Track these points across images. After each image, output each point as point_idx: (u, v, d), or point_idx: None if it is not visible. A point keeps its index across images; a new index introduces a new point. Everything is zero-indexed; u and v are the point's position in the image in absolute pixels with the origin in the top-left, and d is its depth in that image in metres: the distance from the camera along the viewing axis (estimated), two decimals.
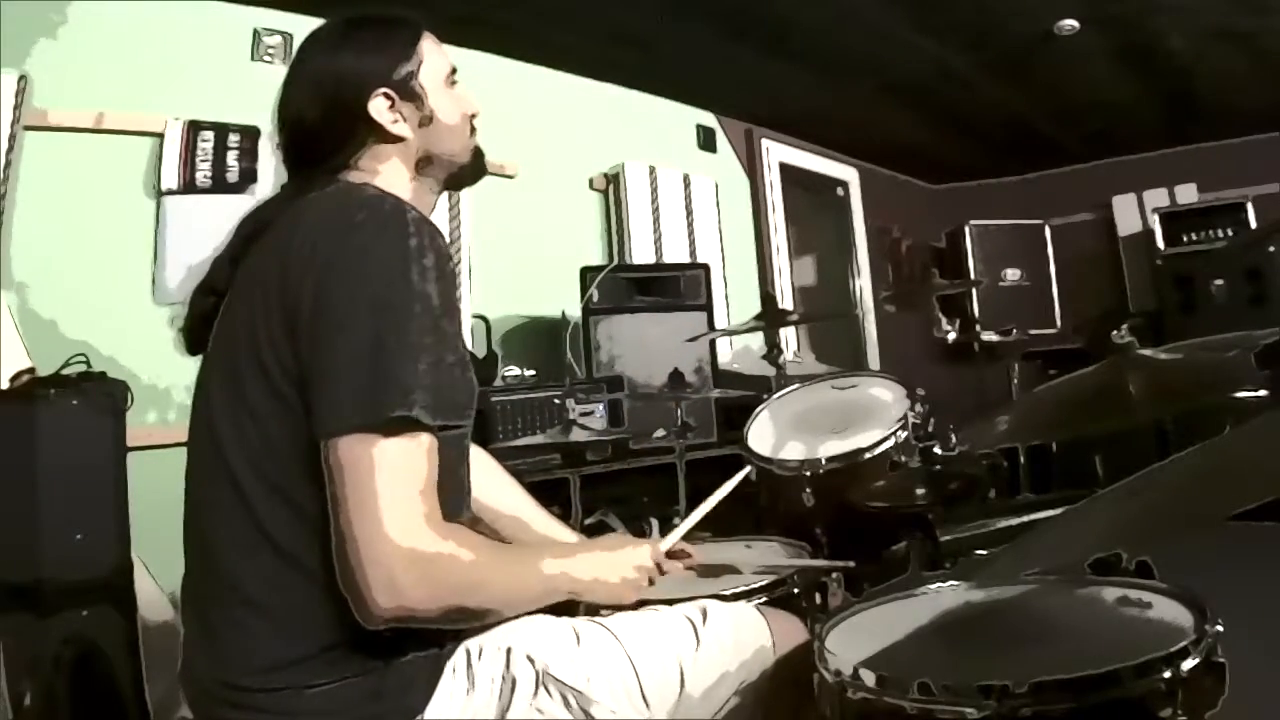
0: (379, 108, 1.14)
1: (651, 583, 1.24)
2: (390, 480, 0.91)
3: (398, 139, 1.16)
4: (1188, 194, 5.50)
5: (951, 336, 5.53)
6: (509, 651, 1.06)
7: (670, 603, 1.22)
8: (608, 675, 1.06)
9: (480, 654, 1.06)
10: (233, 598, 0.99)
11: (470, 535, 1.01)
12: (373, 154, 1.16)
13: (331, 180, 1.13)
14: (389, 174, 1.17)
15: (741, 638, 1.14)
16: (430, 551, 0.92)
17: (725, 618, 1.17)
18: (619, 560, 1.21)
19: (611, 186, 4.09)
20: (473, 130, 1.26)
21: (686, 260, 4.13)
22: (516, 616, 1.09)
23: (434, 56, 1.21)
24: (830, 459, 1.74)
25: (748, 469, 1.68)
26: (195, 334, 1.15)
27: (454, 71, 1.24)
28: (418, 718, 1.00)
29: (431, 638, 1.04)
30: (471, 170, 1.27)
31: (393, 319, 0.94)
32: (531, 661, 1.05)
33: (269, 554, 0.97)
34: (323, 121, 1.14)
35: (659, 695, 1.07)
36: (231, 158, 2.87)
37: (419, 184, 1.21)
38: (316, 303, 0.95)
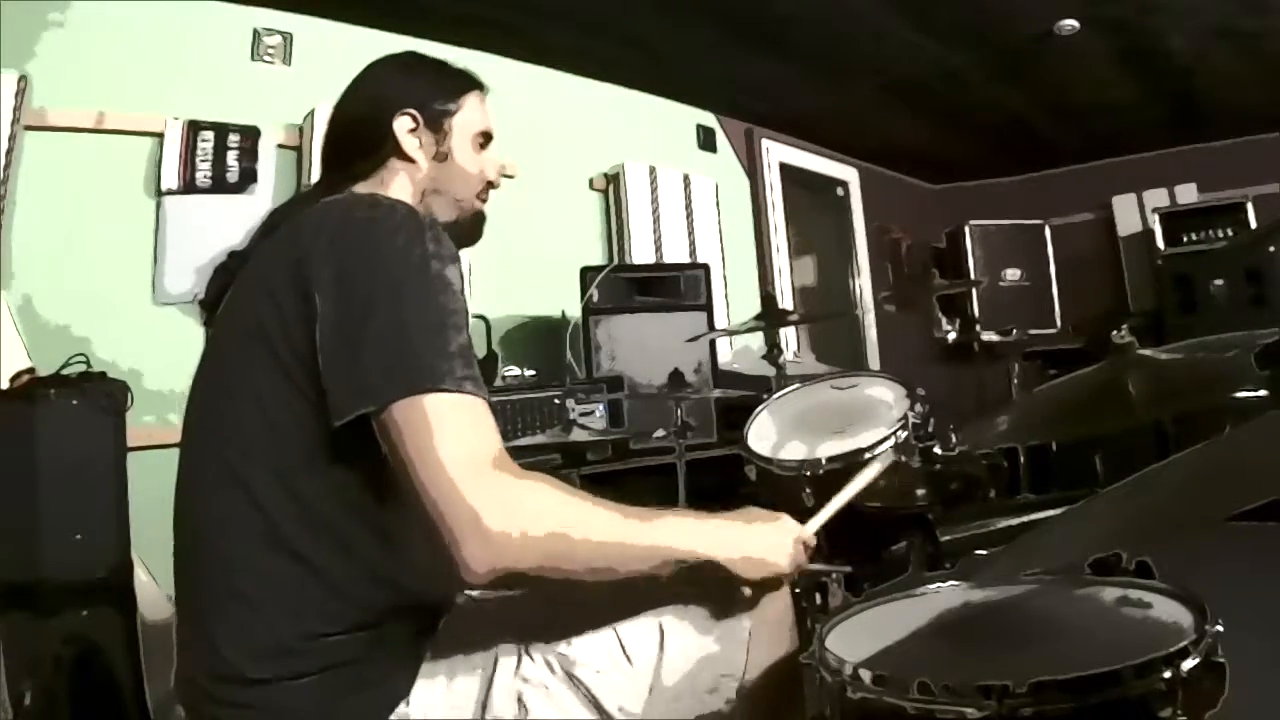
0: (401, 125, 1.22)
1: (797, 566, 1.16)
2: (448, 432, 0.89)
3: (410, 160, 1.23)
4: (1188, 194, 5.50)
5: (951, 336, 5.54)
6: (493, 640, 1.06)
7: None
8: (588, 636, 1.06)
9: (464, 643, 1.06)
10: (222, 586, 0.99)
11: (556, 480, 0.98)
12: (387, 170, 1.23)
13: (345, 188, 1.20)
14: (397, 192, 1.22)
15: (721, 594, 1.13)
16: (511, 491, 0.90)
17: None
18: (767, 535, 1.14)
19: (611, 186, 4.09)
20: (484, 196, 1.32)
21: (686, 260, 4.13)
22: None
23: (474, 111, 1.29)
24: (830, 459, 1.73)
25: (885, 460, 1.53)
26: (209, 316, 1.19)
27: (489, 137, 1.31)
28: (403, 702, 1.01)
29: (415, 621, 1.04)
30: (469, 229, 1.31)
31: (420, 300, 0.95)
32: None
33: (261, 539, 0.98)
34: (355, 126, 1.25)
35: (640, 653, 1.06)
36: (231, 158, 2.87)
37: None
38: (339, 291, 0.96)
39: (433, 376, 0.91)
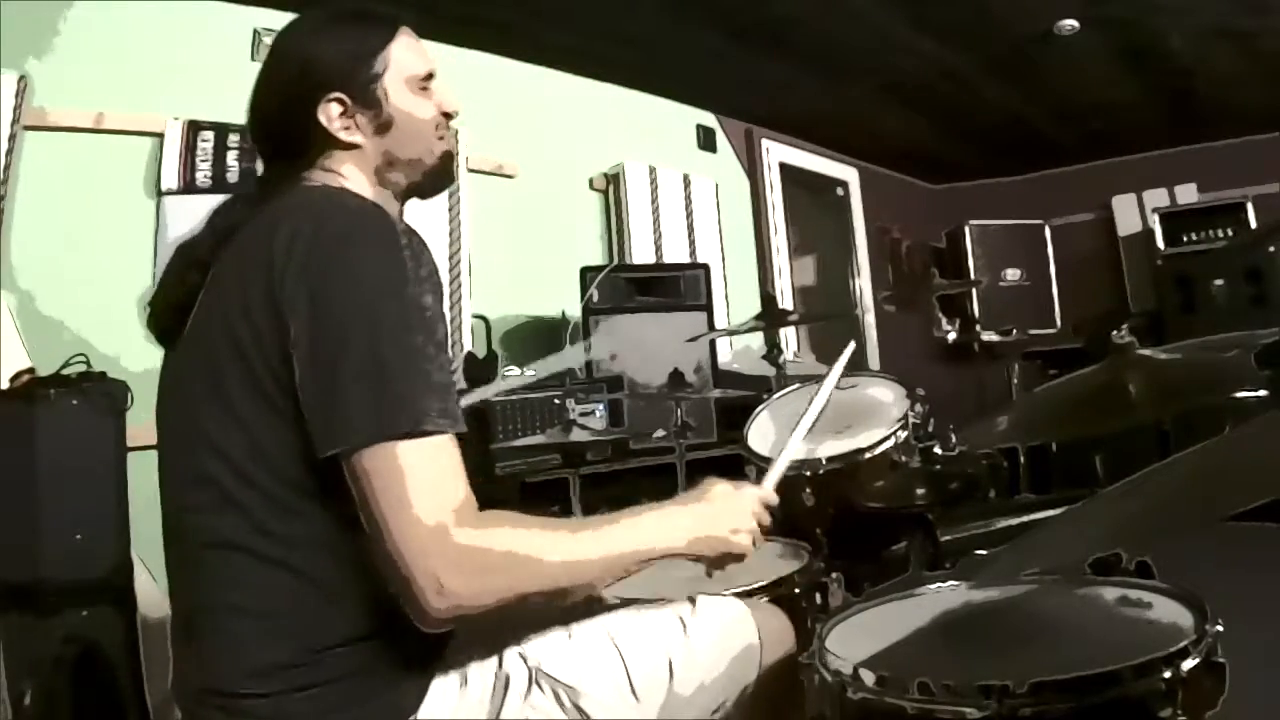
0: (329, 114, 1.09)
1: (763, 528, 1.16)
2: (417, 484, 0.89)
3: (352, 146, 1.12)
4: (1188, 194, 5.50)
5: (951, 336, 5.54)
6: (502, 650, 1.06)
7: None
8: (598, 670, 1.06)
9: (473, 653, 1.06)
10: (218, 603, 0.98)
11: (515, 516, 0.98)
12: (332, 158, 1.12)
13: (297, 181, 1.10)
14: (351, 179, 1.13)
15: (729, 633, 1.14)
16: (470, 545, 0.91)
17: (713, 613, 1.17)
18: (723, 510, 1.13)
19: (611, 186, 4.09)
20: (443, 134, 1.18)
21: (686, 260, 4.13)
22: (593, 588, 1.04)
23: (406, 57, 1.14)
24: (830, 459, 1.74)
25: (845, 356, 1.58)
26: (165, 322, 1.14)
27: (430, 76, 1.16)
28: (410, 718, 1.00)
29: (423, 636, 1.04)
30: (434, 176, 1.18)
31: (395, 330, 0.93)
32: (524, 659, 1.06)
33: (256, 558, 0.96)
34: (280, 119, 1.12)
35: (648, 689, 1.07)
36: (231, 158, 2.87)
37: (379, 192, 1.15)
38: (314, 316, 0.93)
39: (408, 418, 0.90)
